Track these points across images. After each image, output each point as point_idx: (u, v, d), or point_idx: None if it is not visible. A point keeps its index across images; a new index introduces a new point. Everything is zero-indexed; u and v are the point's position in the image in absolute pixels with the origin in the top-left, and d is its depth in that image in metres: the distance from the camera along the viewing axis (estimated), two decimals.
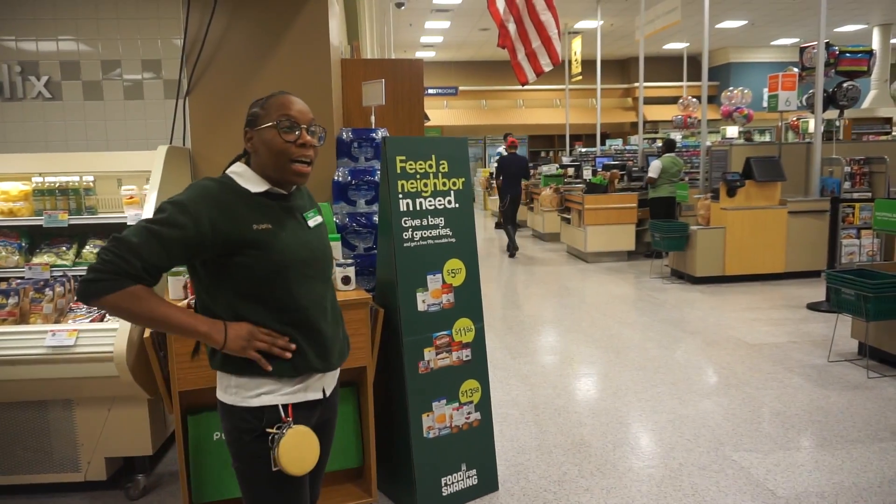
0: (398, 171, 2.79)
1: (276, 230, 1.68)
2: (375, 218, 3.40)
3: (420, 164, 2.84)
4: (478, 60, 21.49)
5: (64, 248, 3.27)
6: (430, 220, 2.87)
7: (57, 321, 2.95)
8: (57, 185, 3.22)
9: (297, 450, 1.65)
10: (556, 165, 13.07)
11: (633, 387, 4.34)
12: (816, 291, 6.86)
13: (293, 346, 1.69)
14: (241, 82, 3.42)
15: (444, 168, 2.91)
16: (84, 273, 1.52)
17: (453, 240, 2.93)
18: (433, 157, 2.88)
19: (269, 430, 1.66)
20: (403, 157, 2.80)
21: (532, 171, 14.47)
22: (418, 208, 2.83)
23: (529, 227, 12.78)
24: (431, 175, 2.88)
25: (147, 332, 2.46)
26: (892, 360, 4.52)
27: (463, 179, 2.98)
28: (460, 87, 20.90)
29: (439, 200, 2.90)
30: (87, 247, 3.29)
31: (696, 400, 4.08)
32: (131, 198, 3.23)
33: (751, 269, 7.51)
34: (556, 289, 7.63)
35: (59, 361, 2.71)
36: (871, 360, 4.61)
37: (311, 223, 1.80)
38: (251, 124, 1.71)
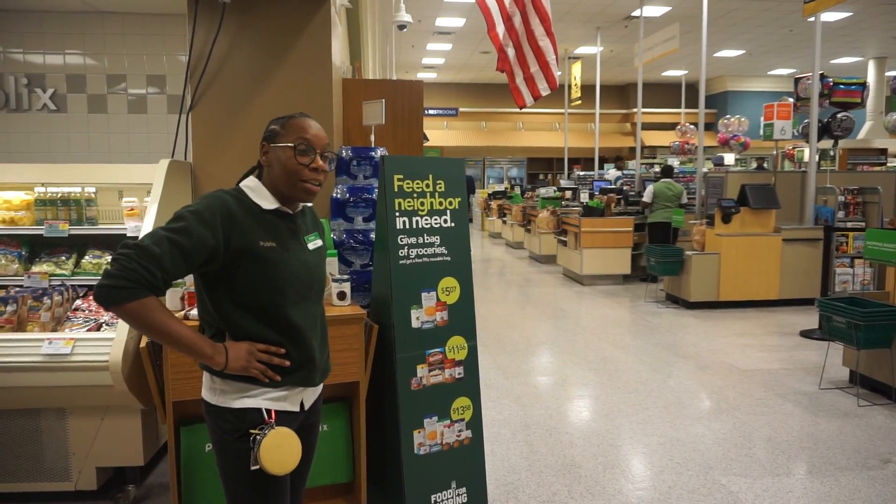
0: (395, 189, 2.83)
1: (280, 249, 1.74)
2: (372, 235, 3.44)
3: (417, 183, 2.89)
4: (478, 83, 21.72)
5: (63, 258, 3.31)
6: (426, 238, 2.91)
7: (54, 330, 2.98)
8: (59, 195, 3.26)
9: (279, 450, 1.69)
10: (554, 188, 13.17)
11: (625, 409, 4.35)
12: (810, 319, 6.90)
13: (287, 363, 1.74)
14: (244, 99, 3.49)
15: (440, 187, 2.96)
16: (99, 278, 1.54)
17: (448, 258, 2.97)
18: (430, 176, 2.93)
19: (251, 430, 1.70)
20: (401, 176, 2.85)
21: (530, 193, 14.59)
22: (414, 226, 2.88)
23: (526, 249, 12.83)
24: (428, 194, 2.93)
25: (144, 342, 2.48)
26: (882, 389, 4.55)
27: (459, 199, 3.02)
28: (461, 109, 21.11)
29: (435, 219, 2.95)
30: (87, 257, 3.33)
31: (687, 424, 4.10)
32: (132, 210, 3.27)
33: (745, 295, 7.55)
34: (551, 311, 7.66)
35: (54, 370, 2.73)
36: (861, 388, 4.63)
37: (311, 246, 1.86)
38: (269, 139, 1.78)
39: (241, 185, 1.80)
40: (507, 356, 5.65)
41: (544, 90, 4.84)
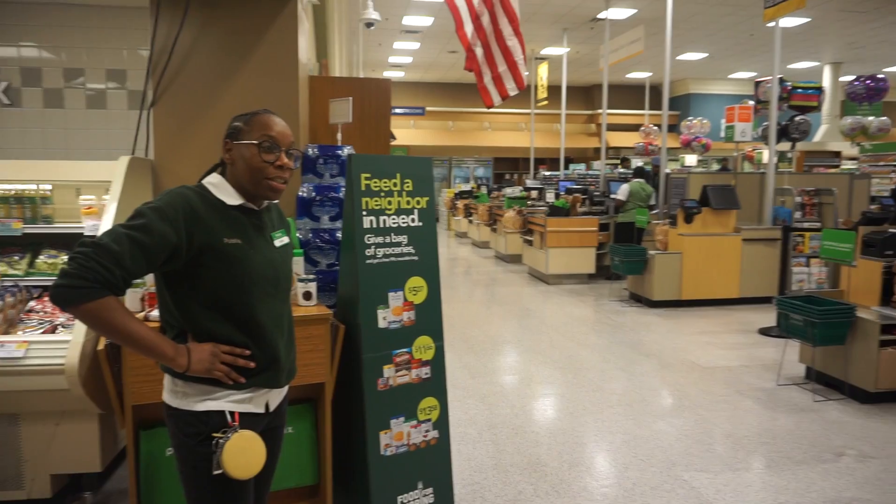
0: (363, 188, 2.81)
1: (245, 246, 1.70)
2: (339, 234, 3.41)
3: (385, 182, 2.87)
4: (446, 82, 21.73)
5: (16, 258, 3.20)
6: (393, 237, 2.89)
7: (6, 332, 2.87)
8: (12, 192, 3.15)
9: (243, 454, 1.66)
10: (520, 188, 13.25)
11: (589, 407, 4.40)
12: (768, 317, 7.07)
13: (252, 364, 1.71)
14: (208, 96, 3.42)
15: (408, 187, 2.95)
16: (55, 278, 1.49)
17: (416, 258, 2.96)
18: (398, 175, 2.92)
19: (214, 434, 1.66)
20: (368, 175, 2.83)
21: (496, 193, 14.65)
22: (382, 226, 2.86)
23: (492, 248, 12.88)
24: (396, 193, 2.91)
25: (101, 344, 2.42)
26: (835, 384, 4.69)
27: (427, 198, 3.01)
28: (428, 108, 21.09)
29: (403, 218, 2.93)
30: (42, 256, 3.22)
31: (650, 421, 4.16)
32: (90, 208, 3.18)
33: (706, 294, 7.71)
34: (517, 310, 7.70)
35: (6, 374, 2.63)
36: (816, 384, 4.77)
37: (278, 243, 1.83)
38: (232, 136, 1.74)
39: (204, 181, 1.76)
40: (473, 355, 5.66)
41: (512, 90, 4.86)
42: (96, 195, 3.26)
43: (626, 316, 7.30)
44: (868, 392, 4.41)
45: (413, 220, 2.96)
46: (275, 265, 1.79)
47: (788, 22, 13.30)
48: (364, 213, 2.81)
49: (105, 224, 2.93)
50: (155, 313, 2.41)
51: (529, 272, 10.31)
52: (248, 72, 3.45)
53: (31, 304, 3.05)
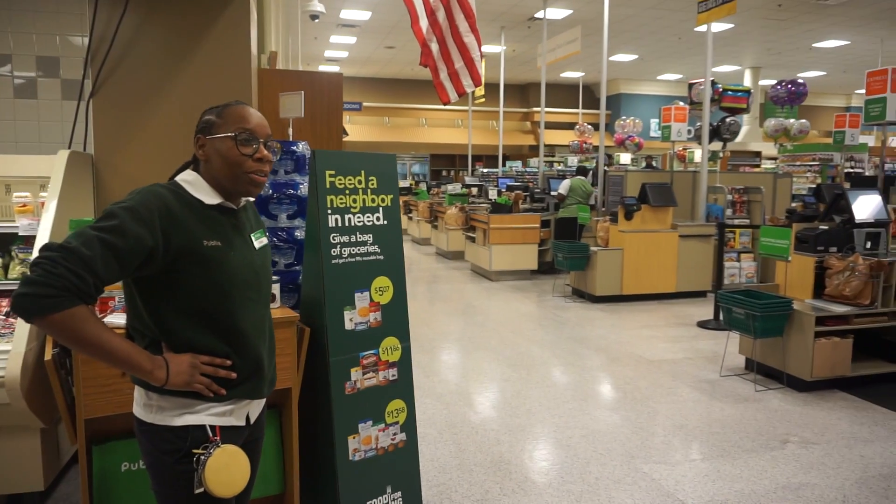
0: (327, 185, 2.71)
1: (225, 248, 1.59)
2: (297, 233, 3.30)
3: (350, 180, 2.79)
4: (382, 77, 21.55)
5: None
6: (358, 236, 2.81)
7: None
8: None
9: (226, 470, 1.55)
10: (460, 185, 13.29)
11: (545, 403, 4.44)
12: (704, 310, 7.35)
13: (234, 376, 1.61)
14: (154, 86, 3.23)
15: (373, 184, 2.87)
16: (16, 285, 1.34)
17: (381, 257, 2.88)
18: (362, 172, 2.84)
19: (195, 450, 1.55)
20: (333, 172, 2.73)
21: (435, 190, 14.64)
22: (347, 224, 2.77)
23: (433, 245, 12.86)
24: (360, 191, 2.83)
25: (49, 354, 2.23)
26: (775, 374, 4.91)
27: (391, 196, 2.95)
28: (364, 103, 20.84)
29: (368, 217, 2.85)
30: None
31: (605, 415, 4.23)
32: (24, 206, 2.95)
33: (646, 288, 7.93)
34: (463, 307, 7.71)
35: None
36: (757, 374, 4.98)
37: (257, 244, 1.73)
38: (205, 131, 1.62)
39: (178, 179, 1.63)
40: (424, 354, 5.62)
41: (469, 86, 4.84)
42: (31, 192, 3.03)
43: (570, 311, 7.42)
44: (805, 381, 4.64)
45: (378, 219, 2.89)
46: (255, 268, 1.68)
47: (715, 27, 13.85)
48: (329, 211, 2.72)
49: (45, 223, 2.72)
50: (110, 318, 2.25)
51: (472, 269, 10.35)
52: (198, 62, 3.27)
53: None
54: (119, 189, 3.19)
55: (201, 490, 1.53)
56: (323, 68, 19.68)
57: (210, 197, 1.61)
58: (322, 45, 16.75)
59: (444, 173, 22.19)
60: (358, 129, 21.02)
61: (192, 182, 1.62)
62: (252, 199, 1.77)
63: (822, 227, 5.23)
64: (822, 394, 4.64)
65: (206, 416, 1.59)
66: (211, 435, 1.58)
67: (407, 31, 14.73)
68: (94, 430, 2.36)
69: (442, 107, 21.28)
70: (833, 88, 22.61)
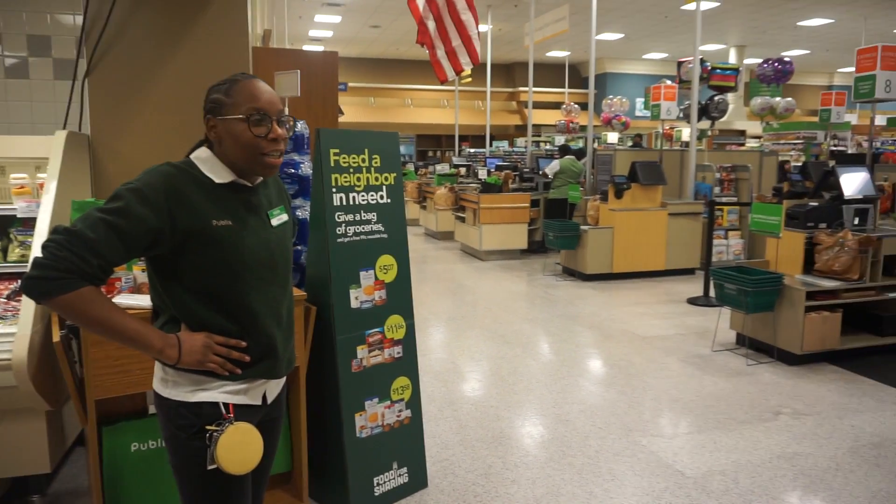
0: (332, 164, 2.71)
1: (236, 228, 1.57)
2: (297, 213, 3.28)
3: (353, 158, 2.78)
4: (367, 57, 21.32)
5: None
6: (362, 214, 2.81)
7: None
8: None
9: (239, 447, 1.56)
10: (448, 165, 13.25)
11: (542, 380, 4.49)
12: (693, 287, 7.45)
13: (247, 358, 1.61)
14: (151, 65, 3.18)
15: (376, 162, 2.87)
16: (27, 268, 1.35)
17: (385, 235, 2.89)
18: (366, 150, 2.83)
19: (208, 427, 1.56)
20: (337, 150, 2.72)
21: (423, 170, 14.59)
22: (351, 203, 2.77)
23: (422, 226, 12.85)
24: (364, 169, 2.83)
25: (57, 335, 2.22)
26: (765, 349, 5.00)
27: (395, 174, 2.95)
28: (350, 84, 20.62)
29: (372, 195, 2.85)
30: None
31: (601, 391, 4.30)
32: (22, 187, 2.91)
33: (636, 266, 8.00)
34: (454, 286, 7.74)
35: None
36: (748, 349, 5.07)
37: (275, 221, 1.70)
38: (214, 112, 1.58)
39: (192, 156, 1.62)
40: (419, 333, 5.64)
41: (467, 64, 4.81)
42: (27, 173, 2.99)
43: (561, 290, 7.48)
44: (795, 354, 4.73)
45: (382, 198, 2.89)
46: (270, 247, 1.66)
47: (702, 5, 13.84)
48: (334, 189, 2.71)
49: (45, 205, 2.68)
50: (118, 299, 2.24)
51: (462, 249, 10.37)
52: (195, 39, 3.22)
53: None
54: (115, 170, 3.15)
55: (214, 467, 1.54)
56: (307, 48, 19.42)
57: (222, 175, 1.59)
58: (307, 25, 16.52)
59: (430, 154, 22.09)
60: (343, 110, 20.82)
61: (205, 160, 1.60)
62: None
63: (811, 203, 5.30)
64: (813, 367, 4.74)
65: (220, 393, 1.59)
66: (224, 412, 1.58)
67: (392, 11, 14.57)
68: (103, 412, 2.36)
69: (428, 87, 21.19)
70: (816, 67, 22.75)
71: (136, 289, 2.45)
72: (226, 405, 1.60)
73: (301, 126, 3.46)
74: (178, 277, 1.55)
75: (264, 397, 1.71)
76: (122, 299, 2.24)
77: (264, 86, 1.62)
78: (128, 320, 1.47)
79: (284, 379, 1.80)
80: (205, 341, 1.55)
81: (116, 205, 1.44)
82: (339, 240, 2.71)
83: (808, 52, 19.55)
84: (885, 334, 5.00)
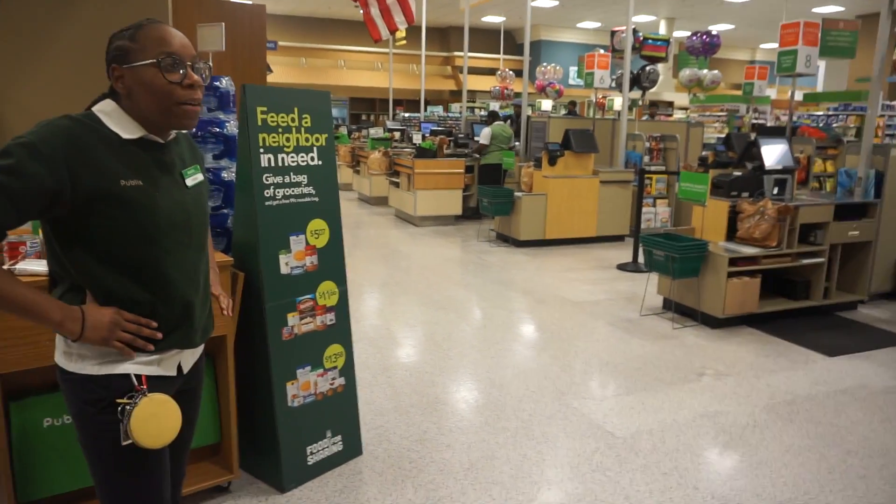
0: (259, 123, 2.56)
1: (147, 188, 1.44)
2: (224, 174, 3.12)
3: (282, 117, 2.64)
4: (298, 16, 20.55)
5: None
6: (292, 177, 2.69)
7: None
8: None
9: (154, 420, 1.46)
10: (382, 129, 13.01)
11: (476, 345, 4.51)
12: (623, 253, 7.64)
13: (160, 335, 1.49)
14: (56, 11, 2.91)
15: (306, 122, 2.73)
16: None
17: (316, 199, 2.78)
18: (296, 109, 2.69)
19: (119, 400, 1.45)
20: (265, 109, 2.58)
21: (356, 134, 14.29)
22: (280, 164, 2.64)
23: (355, 191, 12.64)
24: (294, 129, 2.69)
25: None
26: (690, 313, 5.19)
27: (326, 136, 2.82)
28: (280, 43, 19.85)
29: (302, 157, 2.73)
30: None
31: (534, 355, 4.36)
32: None
33: (568, 233, 8.13)
34: (388, 252, 7.66)
35: None
36: (674, 313, 5.25)
37: (190, 182, 1.57)
38: (119, 60, 1.43)
39: (95, 109, 1.46)
40: (352, 299, 5.56)
41: (402, 23, 4.66)
42: None
43: (495, 255, 7.52)
44: (717, 318, 4.93)
45: (312, 159, 2.77)
46: (186, 209, 1.53)
47: None
48: (261, 150, 2.58)
49: None
50: (23, 266, 2.06)
51: (396, 214, 10.26)
52: None
53: None
54: (20, 123, 2.87)
55: (129, 442, 1.44)
56: None
57: (130, 130, 1.45)
58: None
59: (364, 117, 21.68)
60: (272, 69, 20.08)
61: (109, 113, 1.45)
62: (185, 131, 1.62)
63: (735, 173, 5.49)
64: (733, 329, 4.96)
65: (131, 364, 1.48)
66: (136, 384, 1.48)
67: None
68: (10, 386, 2.19)
69: (362, 48, 20.65)
70: (739, 42, 23.51)
71: (43, 253, 2.26)
72: (138, 376, 1.49)
73: (226, 83, 3.27)
74: (82, 242, 1.40)
75: (179, 368, 1.60)
76: (27, 265, 2.06)
77: (175, 31, 1.47)
78: (20, 288, 1.33)
79: (202, 347, 1.70)
80: (113, 317, 1.42)
81: (6, 162, 1.28)
82: (267, 203, 2.59)
83: (733, 26, 20.15)
84: (798, 298, 5.28)
